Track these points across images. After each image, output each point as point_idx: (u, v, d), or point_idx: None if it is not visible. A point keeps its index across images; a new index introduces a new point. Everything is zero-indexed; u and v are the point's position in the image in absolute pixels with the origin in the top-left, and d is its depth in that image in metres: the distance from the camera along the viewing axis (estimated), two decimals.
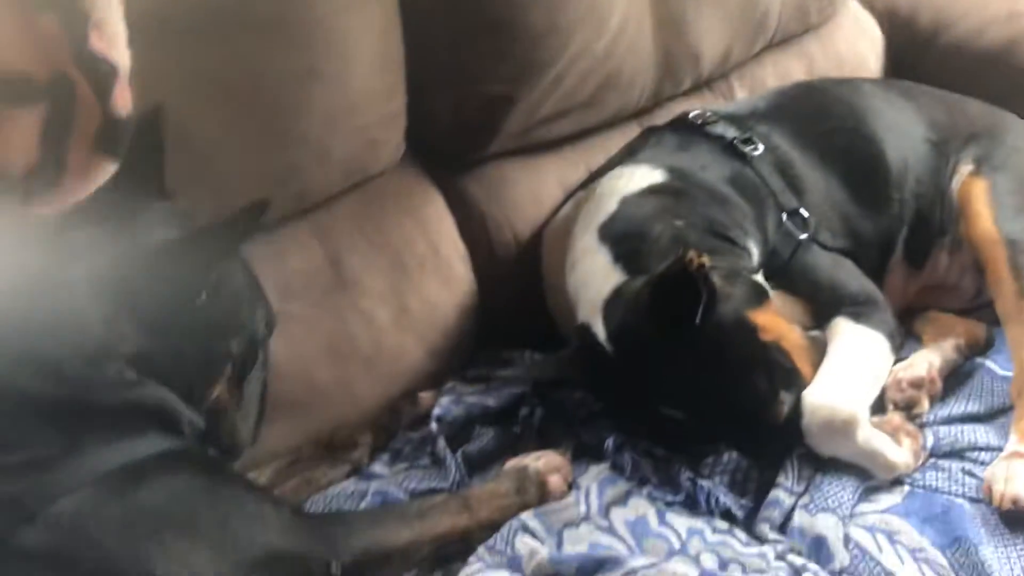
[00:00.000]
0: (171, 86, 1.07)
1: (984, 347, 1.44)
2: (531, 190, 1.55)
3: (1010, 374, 1.33)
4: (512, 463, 1.20)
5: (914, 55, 2.05)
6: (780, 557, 1.12)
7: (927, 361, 1.36)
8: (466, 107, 1.46)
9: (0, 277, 0.97)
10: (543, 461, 1.18)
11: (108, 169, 0.96)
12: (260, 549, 0.93)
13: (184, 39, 1.13)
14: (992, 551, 1.11)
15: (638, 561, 1.07)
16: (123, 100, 0.93)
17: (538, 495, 1.15)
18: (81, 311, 0.95)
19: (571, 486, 1.19)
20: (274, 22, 1.21)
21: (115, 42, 0.93)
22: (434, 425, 1.30)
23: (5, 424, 0.89)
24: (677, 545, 1.13)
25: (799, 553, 1.13)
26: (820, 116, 1.57)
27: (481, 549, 1.09)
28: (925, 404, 1.32)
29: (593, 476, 1.21)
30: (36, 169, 0.94)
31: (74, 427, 0.90)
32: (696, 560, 1.09)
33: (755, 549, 1.13)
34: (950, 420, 1.31)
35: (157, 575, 0.85)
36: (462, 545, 1.10)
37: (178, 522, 0.90)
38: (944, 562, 1.11)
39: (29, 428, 0.90)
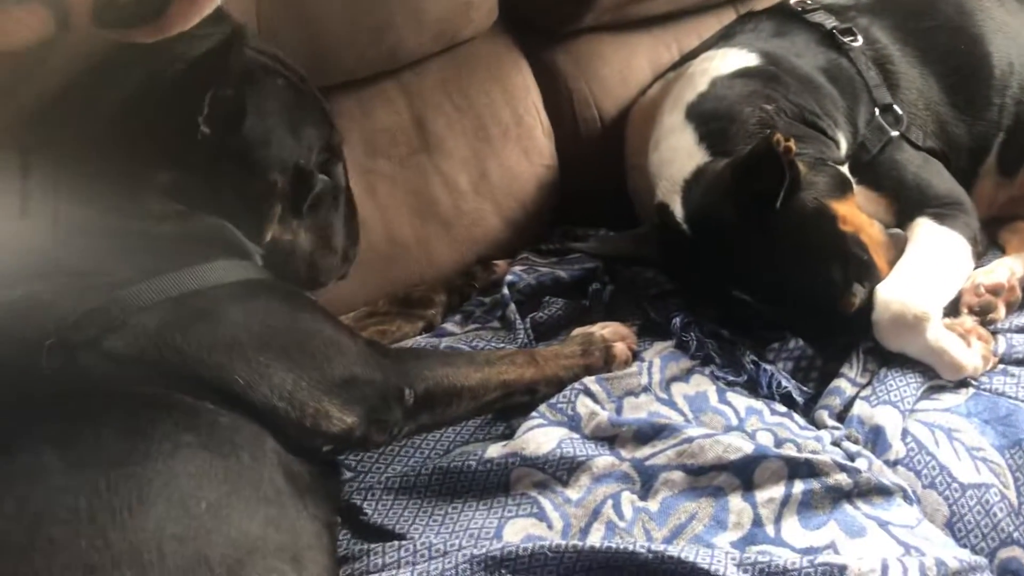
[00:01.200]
0: None
1: None
2: (620, 68, 1.54)
3: None
4: (579, 329, 1.23)
5: None
6: (836, 443, 1.13)
7: (1008, 268, 1.35)
8: None
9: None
10: (609, 329, 1.21)
11: (212, 3, 0.99)
12: (337, 372, 0.95)
13: None
14: None
15: (695, 431, 1.10)
16: None
17: (603, 359, 1.18)
18: (107, 141, 0.97)
19: (635, 355, 1.21)
20: None
21: None
22: (505, 290, 1.34)
23: (83, 252, 0.93)
24: (735, 422, 1.15)
25: (855, 441, 1.14)
26: (925, 11, 1.51)
27: (543, 407, 1.13)
28: (1001, 311, 1.30)
29: (657, 351, 1.24)
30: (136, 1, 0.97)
31: (143, 255, 0.94)
32: (752, 436, 1.11)
33: (812, 433, 1.15)
34: None
35: (239, 383, 0.89)
36: (529, 398, 1.14)
37: (257, 338, 0.92)
38: (1002, 462, 1.11)
39: (104, 256, 0.93)
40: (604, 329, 1.22)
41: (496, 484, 1.06)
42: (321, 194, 1.09)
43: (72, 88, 1.01)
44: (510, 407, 1.14)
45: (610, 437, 1.11)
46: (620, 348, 1.19)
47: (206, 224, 0.99)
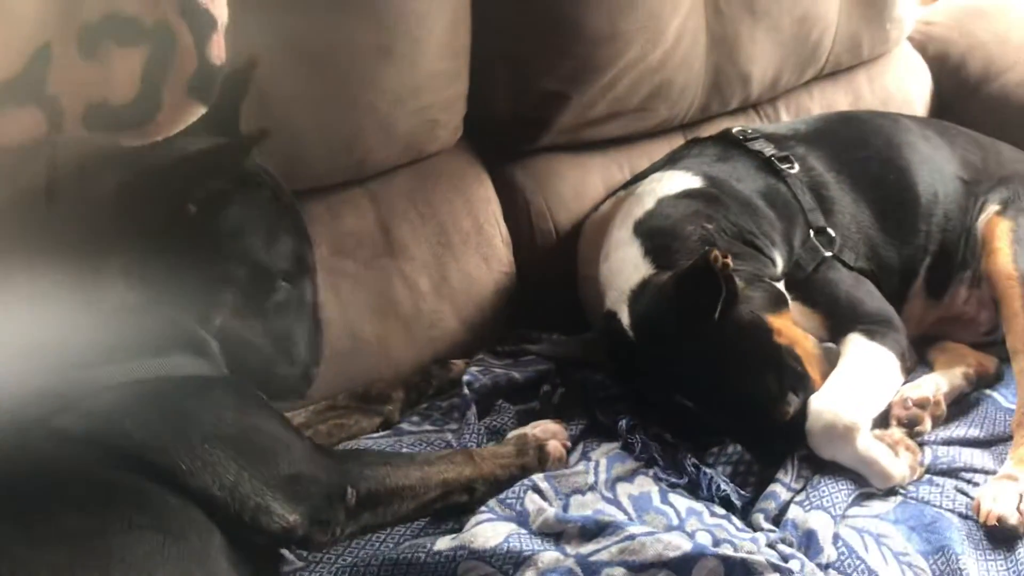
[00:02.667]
0: (257, 46, 1.17)
1: (993, 379, 1.50)
2: (575, 185, 1.64)
3: (1013, 407, 1.39)
4: (514, 432, 1.28)
5: (961, 100, 2.12)
6: (771, 545, 1.17)
7: (935, 384, 1.43)
8: (523, 100, 1.56)
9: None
10: (540, 428, 1.26)
11: (197, 111, 1.07)
12: (282, 468, 0.97)
13: (274, 4, 1.23)
14: (973, 562, 1.16)
15: (637, 528, 1.14)
16: (219, 50, 1.04)
17: (537, 457, 1.22)
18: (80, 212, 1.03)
19: (583, 455, 1.25)
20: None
21: None
22: (466, 391, 1.38)
23: (40, 332, 0.96)
24: (676, 521, 1.19)
25: (789, 544, 1.18)
26: (858, 143, 1.64)
27: (492, 502, 1.16)
28: (927, 424, 1.37)
29: (604, 452, 1.29)
30: (133, 103, 1.05)
31: (100, 339, 0.96)
32: (691, 535, 1.16)
33: (748, 534, 1.19)
34: (950, 442, 1.37)
35: (180, 469, 0.90)
36: (467, 497, 1.16)
37: (206, 429, 0.94)
38: (926, 567, 1.16)
39: (62, 336, 0.96)
40: (536, 429, 1.26)
41: None
42: (285, 302, 1.12)
43: (59, 178, 1.08)
44: (451, 507, 1.16)
45: (556, 533, 1.14)
46: (553, 445, 1.23)
47: (164, 313, 1.02)
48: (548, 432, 1.25)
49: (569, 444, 1.26)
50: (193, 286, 1.04)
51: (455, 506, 1.16)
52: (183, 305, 1.04)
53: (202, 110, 1.08)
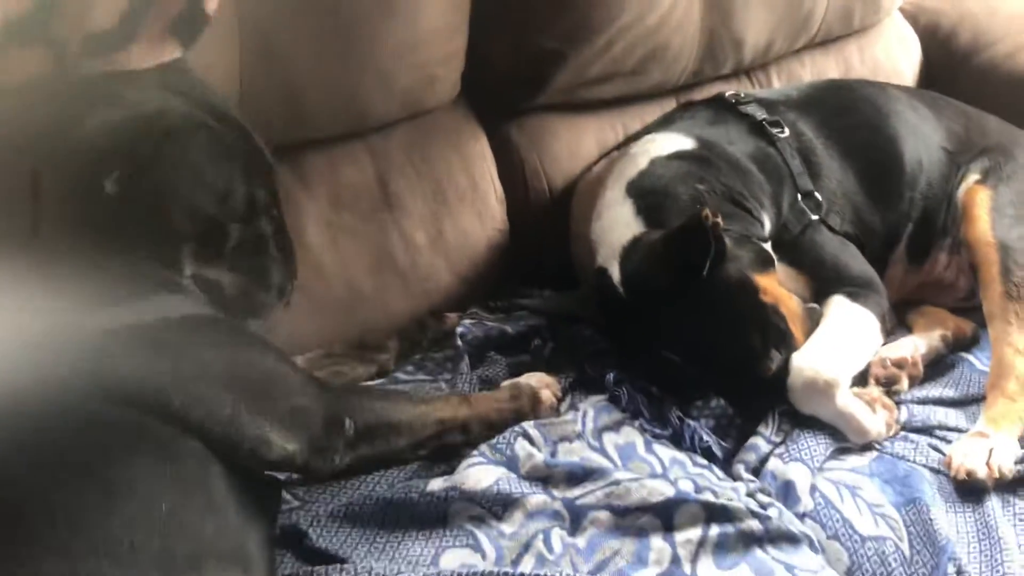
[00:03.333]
0: None
1: (969, 343, 1.55)
2: (569, 145, 1.67)
3: (988, 369, 1.43)
4: (509, 380, 1.33)
5: (949, 71, 2.14)
6: (750, 495, 1.22)
7: (913, 345, 1.47)
8: (520, 57, 1.58)
9: None
10: (535, 378, 1.31)
11: (174, 52, 1.08)
12: (279, 401, 1.00)
13: None
14: (943, 514, 1.21)
15: (622, 475, 1.19)
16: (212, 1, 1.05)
17: (531, 404, 1.26)
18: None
19: (572, 406, 1.30)
20: None
21: None
22: (459, 342, 1.42)
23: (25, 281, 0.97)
24: (659, 470, 1.24)
25: (768, 494, 1.23)
26: (846, 111, 1.67)
27: (484, 446, 1.20)
28: (904, 384, 1.42)
29: (591, 403, 1.33)
30: (113, 30, 1.05)
31: (89, 290, 0.97)
32: (674, 483, 1.20)
33: (729, 484, 1.23)
34: (925, 401, 1.41)
35: (175, 407, 0.93)
36: (463, 437, 1.20)
37: (200, 367, 0.96)
38: (897, 517, 1.21)
39: (44, 286, 0.97)
40: (531, 379, 1.30)
41: (435, 516, 1.11)
42: (241, 242, 1.11)
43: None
44: (447, 448, 1.19)
45: (544, 477, 1.18)
46: (546, 395, 1.28)
47: (136, 265, 1.02)
48: (542, 382, 1.29)
49: (561, 395, 1.31)
50: (152, 243, 1.05)
51: (450, 447, 1.19)
52: (153, 257, 1.04)
53: (178, 52, 1.09)
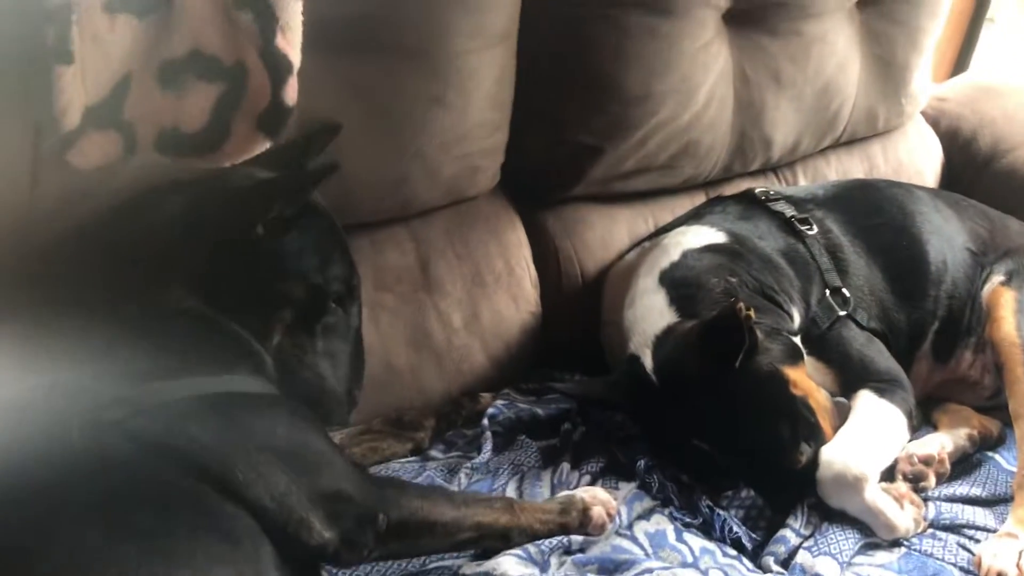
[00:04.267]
0: (322, 88, 1.25)
1: (995, 442, 1.56)
2: (602, 234, 1.72)
3: (1015, 469, 1.44)
4: (564, 492, 1.30)
5: (970, 174, 2.19)
6: None
7: (940, 443, 1.48)
8: (558, 151, 1.64)
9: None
10: (590, 494, 1.28)
11: (263, 145, 1.16)
12: (325, 484, 1.01)
13: (341, 51, 1.32)
14: None
15: (653, 564, 1.20)
16: (292, 92, 1.13)
17: (579, 519, 1.24)
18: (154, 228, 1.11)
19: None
20: (417, 51, 1.39)
21: (294, 43, 1.13)
22: (485, 421, 1.45)
23: (119, 340, 1.03)
24: (690, 559, 1.25)
25: None
26: (872, 210, 1.71)
27: None
28: (932, 480, 1.43)
29: (623, 492, 1.34)
30: (202, 131, 1.13)
31: (169, 354, 1.03)
32: (704, 572, 1.21)
33: None
34: (953, 499, 1.42)
35: (238, 478, 0.95)
36: (502, 544, 1.18)
37: (262, 441, 0.99)
38: None
39: (133, 349, 1.03)
40: (586, 492, 1.28)
41: None
42: (334, 324, 1.19)
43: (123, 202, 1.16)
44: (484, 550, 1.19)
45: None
46: (597, 512, 1.25)
47: (226, 329, 1.09)
48: (596, 499, 1.26)
49: (615, 514, 1.27)
50: (254, 303, 1.11)
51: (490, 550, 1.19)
52: (244, 321, 1.10)
53: (267, 144, 1.16)
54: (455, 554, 1.20)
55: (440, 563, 1.18)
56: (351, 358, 1.22)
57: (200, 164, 1.17)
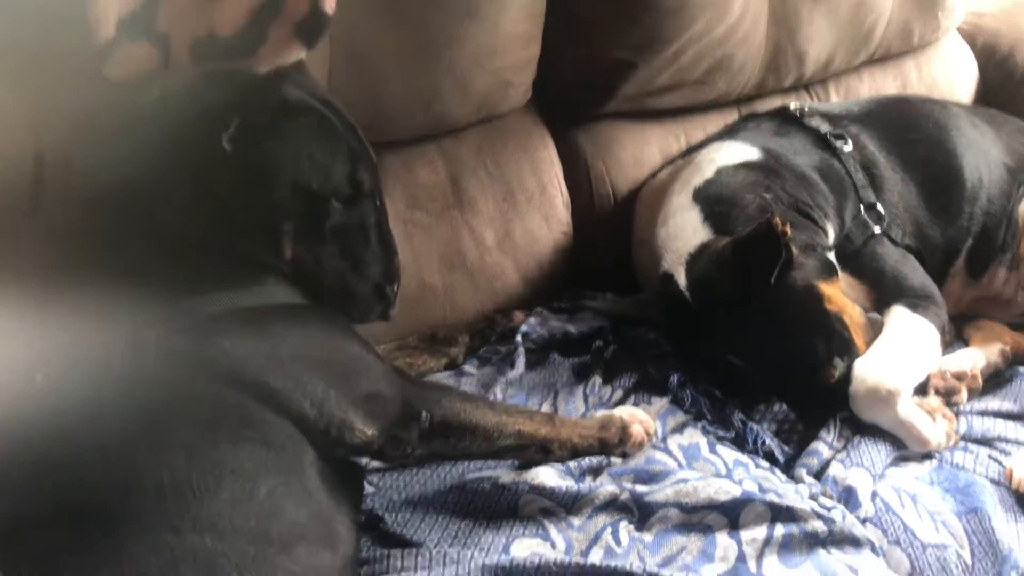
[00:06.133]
0: (357, 2, 1.23)
1: None
2: (634, 152, 1.70)
3: None
4: (603, 411, 1.32)
5: (1007, 91, 2.14)
6: (812, 498, 1.24)
7: (972, 358, 1.49)
8: (591, 66, 1.62)
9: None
10: (629, 413, 1.29)
11: (299, 53, 1.13)
12: (363, 387, 1.03)
13: None
14: (1003, 524, 1.22)
15: (689, 474, 1.22)
16: (331, 1, 1.10)
17: (619, 436, 1.26)
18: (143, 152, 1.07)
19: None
20: None
21: None
22: (518, 338, 1.47)
23: (140, 267, 1.03)
24: (723, 471, 1.26)
25: (829, 497, 1.25)
26: (908, 126, 1.69)
27: None
28: (964, 395, 1.43)
29: (655, 408, 1.36)
30: (238, 35, 1.11)
31: (199, 274, 1.04)
32: (739, 482, 1.23)
33: (791, 486, 1.26)
34: (984, 413, 1.42)
35: (274, 387, 0.96)
36: (542, 457, 1.21)
37: (297, 350, 1.00)
38: (959, 525, 1.22)
39: (167, 270, 1.03)
40: (624, 411, 1.29)
41: (506, 507, 1.16)
42: (344, 223, 1.14)
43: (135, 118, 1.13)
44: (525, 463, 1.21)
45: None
46: (636, 429, 1.26)
47: (238, 250, 1.07)
48: (635, 417, 1.28)
49: (653, 433, 1.29)
50: (252, 220, 1.09)
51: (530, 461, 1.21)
52: (251, 239, 1.08)
53: (303, 53, 1.14)
54: (492, 465, 1.22)
55: (479, 474, 1.20)
56: (376, 255, 1.18)
57: (233, 65, 1.14)
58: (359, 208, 1.16)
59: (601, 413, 1.30)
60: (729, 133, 1.65)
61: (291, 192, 1.09)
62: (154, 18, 1.11)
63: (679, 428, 1.34)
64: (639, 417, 1.28)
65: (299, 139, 1.10)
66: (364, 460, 1.16)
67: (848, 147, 1.60)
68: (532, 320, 1.51)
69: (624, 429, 1.26)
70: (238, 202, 1.07)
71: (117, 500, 0.86)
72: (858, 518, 1.23)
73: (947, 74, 2.14)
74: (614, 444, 1.25)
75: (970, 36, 2.23)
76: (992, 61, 2.20)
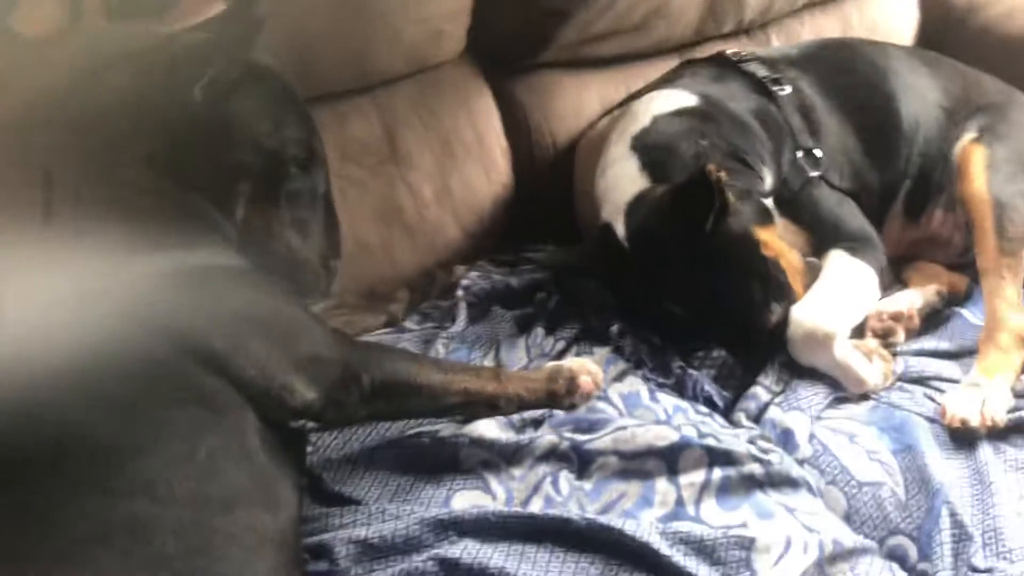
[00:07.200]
0: None
1: (963, 298, 1.58)
2: (573, 102, 1.69)
3: (981, 323, 1.46)
4: (551, 363, 1.30)
5: (946, 32, 2.15)
6: (751, 441, 1.25)
7: (909, 299, 1.51)
8: (525, 14, 1.60)
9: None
10: (577, 363, 1.28)
11: (217, 6, 1.11)
12: (303, 349, 1.02)
13: None
14: (936, 460, 1.24)
15: (628, 421, 1.23)
16: None
17: (566, 387, 1.24)
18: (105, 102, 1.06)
19: (563, 353, 1.31)
20: None
21: None
22: (459, 292, 1.46)
23: (86, 220, 1.00)
24: (663, 417, 1.27)
25: (768, 440, 1.27)
26: (846, 69, 1.69)
27: None
28: (901, 336, 1.46)
29: (596, 357, 1.35)
30: None
31: (144, 231, 1.01)
32: (678, 429, 1.24)
33: (730, 431, 1.27)
34: (921, 352, 1.45)
35: (215, 348, 0.95)
36: (490, 412, 1.19)
37: (238, 311, 1.00)
38: (894, 463, 1.24)
39: (110, 225, 1.00)
40: (573, 363, 1.28)
41: (446, 460, 1.15)
42: (298, 189, 1.15)
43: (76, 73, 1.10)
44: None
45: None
46: (584, 380, 1.25)
47: (190, 207, 1.06)
48: (583, 368, 1.27)
49: (602, 383, 1.28)
50: (211, 176, 1.08)
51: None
52: (206, 195, 1.08)
53: (221, 6, 1.11)
54: (432, 421, 1.21)
55: (420, 428, 1.19)
56: (322, 226, 1.18)
57: (149, 27, 1.11)
58: (312, 176, 1.16)
59: (550, 365, 1.29)
60: (666, 81, 1.63)
61: (251, 150, 1.09)
62: None
63: (620, 376, 1.34)
64: (588, 368, 1.27)
65: (264, 100, 1.11)
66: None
67: (785, 91, 1.59)
68: (473, 274, 1.50)
69: (572, 380, 1.25)
70: (200, 156, 1.06)
71: (47, 461, 0.84)
72: (796, 460, 1.24)
73: (888, 17, 2.14)
74: (562, 396, 1.24)
75: None
76: (932, 2, 2.20)
